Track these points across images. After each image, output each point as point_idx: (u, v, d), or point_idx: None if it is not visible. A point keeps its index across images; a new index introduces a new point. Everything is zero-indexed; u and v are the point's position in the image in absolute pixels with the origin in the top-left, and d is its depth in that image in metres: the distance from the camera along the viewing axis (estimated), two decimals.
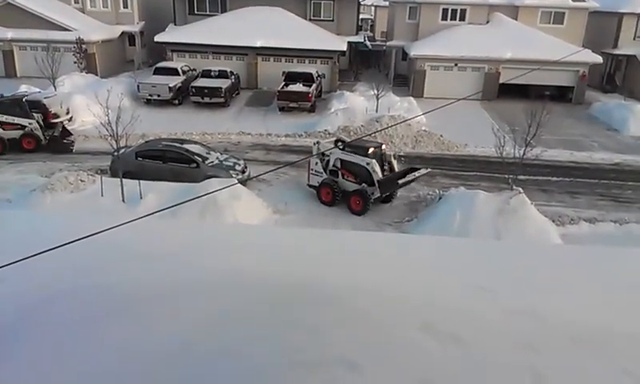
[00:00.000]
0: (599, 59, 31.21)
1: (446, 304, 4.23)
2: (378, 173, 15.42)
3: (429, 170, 16.88)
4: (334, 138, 18.28)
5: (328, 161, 16.37)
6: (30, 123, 20.02)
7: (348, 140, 18.44)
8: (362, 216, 15.64)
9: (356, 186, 15.81)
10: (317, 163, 16.47)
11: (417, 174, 16.14)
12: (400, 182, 15.88)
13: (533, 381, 3.30)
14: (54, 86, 26.07)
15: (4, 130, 19.91)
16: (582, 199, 17.62)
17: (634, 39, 34.92)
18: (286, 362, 3.35)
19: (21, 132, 20.08)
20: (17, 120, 20.05)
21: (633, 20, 34.67)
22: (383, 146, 16.63)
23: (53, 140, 20.62)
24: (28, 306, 4.15)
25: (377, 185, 15.33)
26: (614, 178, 19.76)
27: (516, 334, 3.84)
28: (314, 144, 17.60)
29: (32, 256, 3.91)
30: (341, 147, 16.52)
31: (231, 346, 3.52)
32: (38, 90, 25.01)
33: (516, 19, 33.64)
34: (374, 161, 15.46)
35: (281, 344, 3.52)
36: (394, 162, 16.66)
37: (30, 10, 32.23)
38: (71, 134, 21.57)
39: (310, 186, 16.76)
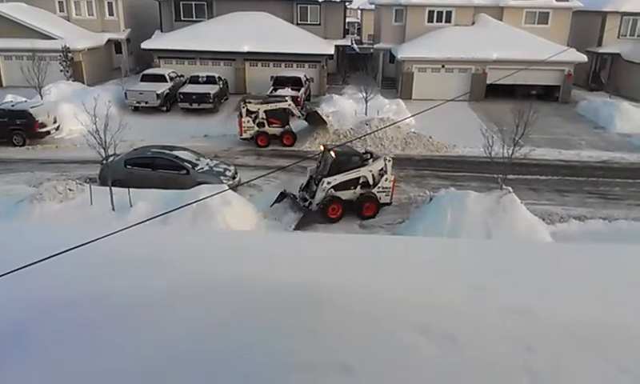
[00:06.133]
0: (584, 58, 31.55)
1: (441, 304, 4.24)
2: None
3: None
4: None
5: None
6: (288, 123, 23.25)
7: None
8: (352, 220, 15.59)
9: None
10: None
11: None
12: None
13: (529, 379, 3.31)
14: (41, 95, 25.86)
15: (270, 126, 22.84)
16: (570, 197, 17.75)
17: (618, 37, 35.32)
18: (282, 365, 3.34)
19: (281, 129, 22.95)
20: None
21: (616, 18, 35.07)
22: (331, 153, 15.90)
23: (310, 115, 23.53)
24: (23, 316, 4.11)
25: None
26: (601, 175, 19.92)
27: (511, 332, 3.85)
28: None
29: (24, 267, 3.86)
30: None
31: (229, 351, 3.50)
32: (24, 99, 24.82)
33: (501, 20, 33.91)
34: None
35: (277, 348, 3.51)
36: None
37: (14, 19, 31.95)
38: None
39: None
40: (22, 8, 33.74)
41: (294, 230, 14.82)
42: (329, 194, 15.19)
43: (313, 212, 15.21)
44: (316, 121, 23.37)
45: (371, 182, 15.79)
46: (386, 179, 15.90)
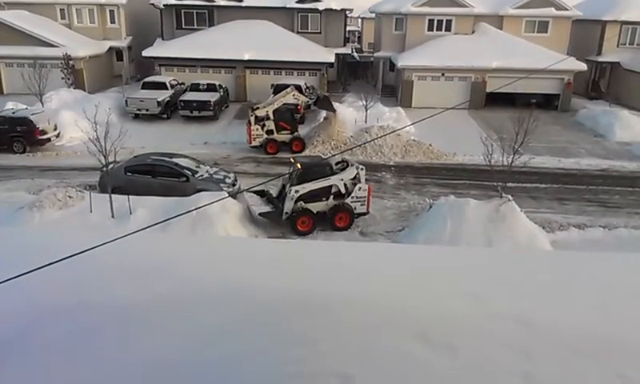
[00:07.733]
0: (584, 67, 31.65)
1: (439, 312, 4.24)
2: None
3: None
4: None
5: None
6: (297, 129, 23.43)
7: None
8: (352, 227, 15.56)
9: None
10: None
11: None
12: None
13: None
14: (42, 103, 25.93)
15: (279, 133, 22.73)
16: (570, 205, 17.75)
17: (618, 46, 35.47)
18: (281, 373, 3.34)
19: (290, 136, 22.94)
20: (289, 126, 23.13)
21: (616, 27, 35.23)
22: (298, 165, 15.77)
23: (321, 100, 24.36)
24: (22, 322, 4.10)
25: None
26: (601, 183, 19.94)
27: (510, 340, 3.85)
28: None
29: (23, 274, 3.87)
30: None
31: (229, 359, 3.50)
32: (25, 106, 24.86)
33: (501, 29, 34.07)
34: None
35: (278, 356, 3.51)
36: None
37: (16, 26, 32.08)
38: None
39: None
40: (23, 16, 33.88)
41: (258, 214, 15.20)
42: (299, 206, 14.90)
43: (282, 219, 15.05)
44: (325, 106, 23.65)
45: (343, 191, 15.37)
46: (360, 188, 15.43)
